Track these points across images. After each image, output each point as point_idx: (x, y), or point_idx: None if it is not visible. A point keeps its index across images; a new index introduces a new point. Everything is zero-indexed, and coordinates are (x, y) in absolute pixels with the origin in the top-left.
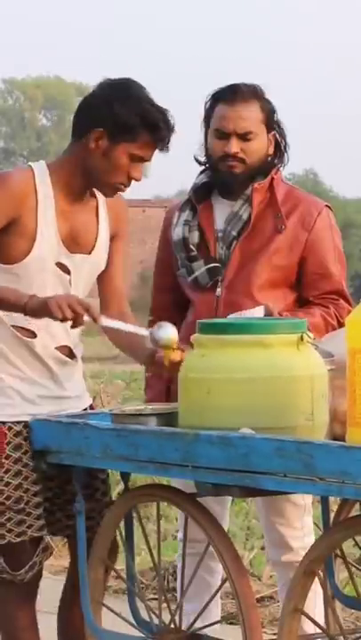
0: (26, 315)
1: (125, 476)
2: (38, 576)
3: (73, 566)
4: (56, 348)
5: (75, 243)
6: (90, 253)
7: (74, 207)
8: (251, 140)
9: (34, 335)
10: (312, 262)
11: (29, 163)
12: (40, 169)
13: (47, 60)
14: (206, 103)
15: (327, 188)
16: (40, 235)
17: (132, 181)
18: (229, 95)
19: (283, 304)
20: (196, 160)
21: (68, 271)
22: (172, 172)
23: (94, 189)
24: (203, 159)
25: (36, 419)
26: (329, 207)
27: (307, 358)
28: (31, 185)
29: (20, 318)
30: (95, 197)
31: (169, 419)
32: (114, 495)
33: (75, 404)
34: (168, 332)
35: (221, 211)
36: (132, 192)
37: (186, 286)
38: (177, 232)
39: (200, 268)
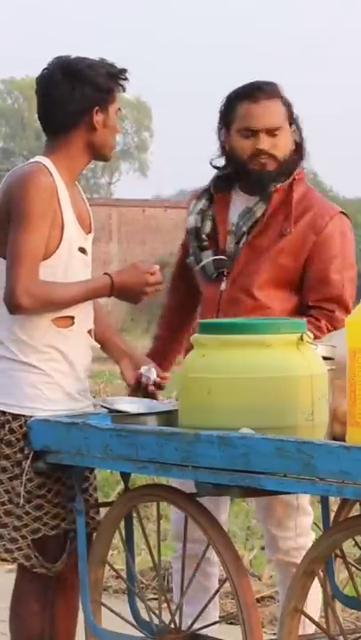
0: (111, 294)
1: (125, 476)
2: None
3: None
4: (88, 332)
5: (83, 225)
6: (90, 231)
7: (74, 192)
8: (278, 135)
9: (72, 322)
10: (314, 266)
11: (35, 159)
12: (47, 162)
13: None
14: (224, 104)
15: (327, 188)
16: (66, 222)
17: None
18: (254, 92)
19: (286, 305)
20: (214, 166)
21: (86, 253)
22: (171, 171)
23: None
24: (220, 164)
25: (35, 419)
26: (345, 214)
27: (307, 358)
28: (51, 178)
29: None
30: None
31: (169, 418)
32: (114, 495)
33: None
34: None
35: (238, 205)
36: (132, 192)
37: (197, 275)
38: (190, 220)
39: (207, 258)
